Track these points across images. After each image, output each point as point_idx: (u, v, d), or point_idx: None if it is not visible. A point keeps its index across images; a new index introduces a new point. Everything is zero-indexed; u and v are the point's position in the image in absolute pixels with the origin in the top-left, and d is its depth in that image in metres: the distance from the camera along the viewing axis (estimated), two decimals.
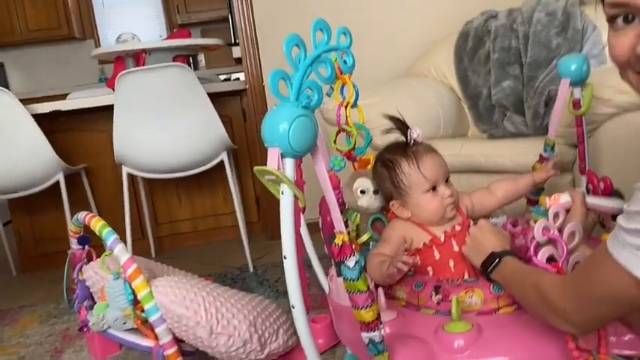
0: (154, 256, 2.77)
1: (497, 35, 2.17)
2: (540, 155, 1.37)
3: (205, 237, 2.88)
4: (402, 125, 1.16)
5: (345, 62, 1.05)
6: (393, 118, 1.17)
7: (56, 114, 2.54)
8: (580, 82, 1.27)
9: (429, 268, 1.11)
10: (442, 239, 1.11)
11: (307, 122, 0.74)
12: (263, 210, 2.86)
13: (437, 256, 1.11)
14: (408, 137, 1.14)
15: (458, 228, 1.12)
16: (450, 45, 2.35)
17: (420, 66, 2.46)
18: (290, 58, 0.76)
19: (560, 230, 0.97)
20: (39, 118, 2.35)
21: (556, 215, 1.00)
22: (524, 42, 2.07)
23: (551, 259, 0.92)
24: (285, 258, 0.77)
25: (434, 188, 1.11)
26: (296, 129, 0.72)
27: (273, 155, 0.73)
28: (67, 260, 1.44)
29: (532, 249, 0.92)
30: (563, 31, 1.99)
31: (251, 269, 2.35)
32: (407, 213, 1.14)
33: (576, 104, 1.31)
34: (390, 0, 2.67)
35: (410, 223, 1.14)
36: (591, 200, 1.05)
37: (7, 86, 4.75)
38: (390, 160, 1.14)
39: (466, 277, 1.09)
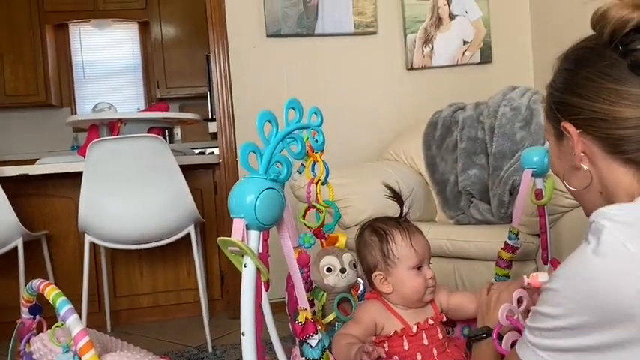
0: (109, 330, 2.64)
1: (464, 126, 2.27)
2: (505, 242, 1.39)
3: (165, 312, 2.78)
4: (397, 197, 1.17)
5: (316, 141, 1.07)
6: (391, 189, 1.17)
7: (23, 178, 2.50)
8: (542, 173, 1.32)
9: (396, 357, 1.08)
10: (414, 330, 1.08)
11: (274, 195, 0.74)
12: (227, 287, 2.79)
13: (406, 346, 1.07)
14: (403, 211, 1.15)
15: (430, 322, 1.10)
16: (420, 132, 2.43)
17: (390, 150, 2.53)
18: (261, 133, 0.78)
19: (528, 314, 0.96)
20: (5, 182, 2.31)
21: (520, 300, 0.99)
22: (490, 134, 2.16)
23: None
24: (244, 334, 0.74)
25: (419, 267, 1.10)
26: (263, 201, 0.73)
27: (238, 226, 0.73)
28: (15, 330, 1.36)
29: (495, 333, 0.91)
30: (526, 126, 2.09)
31: (210, 349, 2.26)
32: (388, 287, 1.11)
33: (538, 195, 1.35)
34: (365, 86, 2.79)
35: (384, 307, 1.12)
36: None
37: None
38: (383, 229, 1.12)
39: None
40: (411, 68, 2.81)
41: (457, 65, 2.84)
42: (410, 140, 2.48)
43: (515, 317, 0.93)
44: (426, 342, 1.07)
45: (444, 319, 1.13)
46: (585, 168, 0.78)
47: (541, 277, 1.05)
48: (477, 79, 2.82)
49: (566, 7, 2.56)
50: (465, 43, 2.84)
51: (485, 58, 2.86)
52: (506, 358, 0.80)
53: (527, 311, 0.97)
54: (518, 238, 1.38)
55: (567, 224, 1.59)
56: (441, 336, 1.10)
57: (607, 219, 0.69)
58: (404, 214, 1.15)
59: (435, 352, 1.06)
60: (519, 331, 0.93)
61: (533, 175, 1.32)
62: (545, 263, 1.35)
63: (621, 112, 0.72)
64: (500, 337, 0.91)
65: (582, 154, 0.77)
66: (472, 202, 2.18)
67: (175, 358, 2.13)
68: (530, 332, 0.74)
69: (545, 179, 1.34)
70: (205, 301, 2.38)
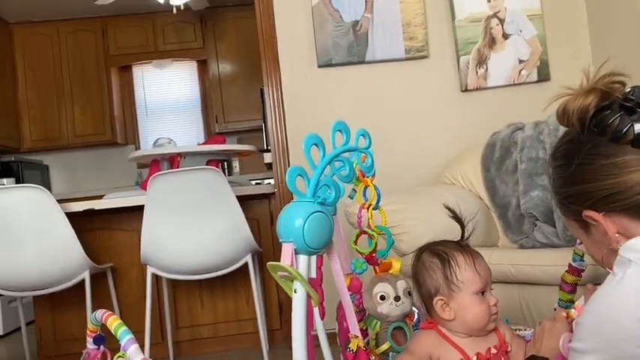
0: None
1: (524, 146, 2.19)
2: (569, 264, 1.31)
3: (225, 343, 2.79)
4: (458, 219, 1.13)
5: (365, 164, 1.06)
6: (451, 210, 1.14)
7: (89, 213, 2.61)
8: None
9: None
10: None
11: (323, 219, 0.73)
12: (286, 317, 2.78)
13: None
14: (465, 234, 1.11)
15: (494, 351, 1.03)
16: (477, 155, 2.37)
17: (447, 174, 2.47)
18: (308, 156, 0.78)
19: None
20: (73, 217, 2.41)
21: None
22: None
23: None
24: None
25: (482, 293, 1.05)
26: (311, 225, 0.72)
27: (286, 251, 0.72)
28: None
29: None
30: None
31: None
32: (450, 314, 1.05)
33: None
34: (419, 111, 2.76)
35: (441, 337, 1.06)
36: None
37: (49, 187, 4.96)
38: (445, 252, 1.07)
39: None
40: (466, 90, 2.76)
41: (513, 85, 2.77)
42: (467, 163, 2.42)
43: None
44: None
45: (509, 349, 1.06)
46: None
47: None
48: (535, 98, 2.72)
49: (625, 19, 2.46)
50: (520, 62, 2.77)
51: (543, 76, 2.78)
52: None
53: None
54: (583, 260, 1.30)
55: None
56: None
57: (634, 251, 0.70)
58: (466, 237, 1.10)
59: None
60: None
61: None
62: None
63: (629, 179, 0.76)
64: None
65: (617, 235, 0.78)
66: (536, 225, 2.09)
67: None
68: None
69: None
70: (264, 331, 2.37)
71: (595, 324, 0.69)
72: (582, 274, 1.31)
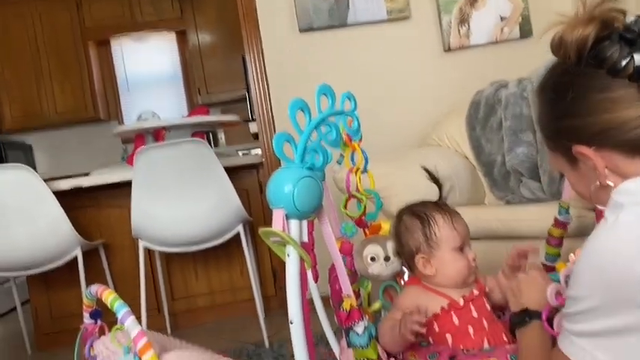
0: (169, 332, 2.72)
1: (508, 103, 2.20)
2: (555, 218, 1.34)
3: (222, 312, 2.83)
4: (435, 180, 1.18)
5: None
6: (428, 172, 1.19)
7: (77, 190, 2.59)
8: None
9: (448, 336, 1.06)
10: (461, 303, 1.07)
11: (312, 183, 0.74)
12: (280, 284, 2.82)
13: (456, 321, 1.06)
14: (442, 195, 1.15)
15: (476, 292, 1.09)
16: (462, 114, 2.38)
17: (434, 135, 2.48)
18: (294, 121, 0.78)
19: None
20: (61, 195, 2.40)
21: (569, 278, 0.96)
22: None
23: None
24: (292, 323, 0.75)
25: (462, 249, 1.10)
26: (301, 190, 0.72)
27: (278, 217, 0.73)
28: (79, 335, 1.41)
29: (544, 314, 0.88)
30: None
31: (267, 345, 2.29)
32: (431, 270, 1.10)
33: None
34: (402, 72, 2.75)
35: (425, 289, 1.11)
36: None
37: (34, 167, 4.91)
38: (424, 212, 1.13)
39: (485, 345, 1.04)
40: (449, 50, 2.75)
41: (496, 43, 2.77)
42: (453, 123, 2.43)
43: (564, 297, 0.90)
44: (475, 314, 1.06)
45: (487, 289, 1.12)
46: (612, 184, 0.76)
47: None
48: (518, 55, 2.73)
49: None
50: (502, 19, 2.76)
51: (525, 32, 2.77)
52: (554, 350, 0.79)
53: None
54: (568, 213, 1.33)
55: None
56: (488, 307, 1.09)
57: (627, 194, 0.69)
58: (443, 196, 1.14)
59: (485, 323, 1.05)
60: None
61: None
62: None
63: (623, 115, 0.73)
64: (549, 319, 0.88)
65: (606, 169, 0.76)
66: (522, 182, 2.12)
67: (234, 355, 2.16)
68: (565, 319, 0.74)
69: None
70: (259, 298, 2.41)
71: (588, 270, 0.70)
72: (568, 227, 1.35)
